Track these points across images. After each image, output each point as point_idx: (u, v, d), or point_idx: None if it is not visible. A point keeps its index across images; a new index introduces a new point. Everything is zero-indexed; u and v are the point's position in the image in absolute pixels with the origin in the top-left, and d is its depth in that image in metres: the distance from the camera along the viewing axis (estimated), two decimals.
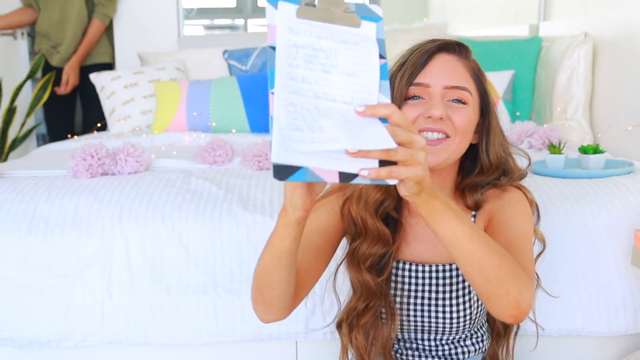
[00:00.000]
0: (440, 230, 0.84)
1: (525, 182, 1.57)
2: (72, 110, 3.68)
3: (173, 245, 1.44)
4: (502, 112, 2.39)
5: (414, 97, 1.05)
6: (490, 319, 1.25)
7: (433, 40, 1.09)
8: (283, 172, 0.69)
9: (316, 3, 0.75)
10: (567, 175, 1.64)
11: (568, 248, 1.44)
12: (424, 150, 0.75)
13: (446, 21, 3.16)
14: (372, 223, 1.09)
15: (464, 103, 1.05)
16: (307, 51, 0.73)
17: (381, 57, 0.76)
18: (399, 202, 1.12)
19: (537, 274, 1.17)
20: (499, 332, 1.25)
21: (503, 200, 1.11)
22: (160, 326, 1.43)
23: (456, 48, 1.08)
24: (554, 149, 1.73)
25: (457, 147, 1.05)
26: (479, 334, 1.21)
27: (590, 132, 2.38)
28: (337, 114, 0.71)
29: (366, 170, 0.71)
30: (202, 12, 4.71)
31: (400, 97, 1.05)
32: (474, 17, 3.81)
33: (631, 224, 1.45)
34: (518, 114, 2.50)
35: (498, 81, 2.42)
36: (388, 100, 0.75)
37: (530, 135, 2.17)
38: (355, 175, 0.71)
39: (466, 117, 1.05)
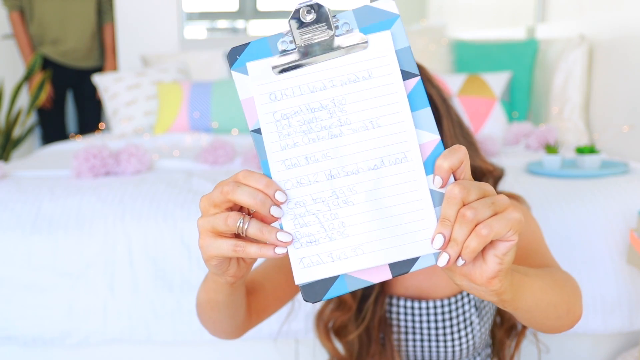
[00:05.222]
0: (522, 304, 0.61)
1: (522, 182, 1.59)
2: (62, 112, 3.75)
3: (175, 244, 1.46)
4: (499, 113, 2.41)
5: None
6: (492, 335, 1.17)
7: None
8: (315, 291, 0.54)
9: (295, 39, 0.55)
10: (563, 175, 1.66)
11: (564, 247, 1.45)
12: (495, 194, 0.53)
13: (444, 23, 3.19)
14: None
15: None
16: (303, 117, 0.55)
17: (409, 74, 0.54)
18: None
19: None
20: (503, 341, 1.15)
21: None
22: (162, 324, 1.45)
23: None
24: (551, 149, 1.75)
25: None
26: (483, 355, 1.13)
27: (586, 132, 2.40)
28: (363, 193, 0.54)
29: (446, 255, 0.51)
30: (204, 15, 4.74)
31: None
32: (471, 19, 3.83)
33: (626, 223, 1.47)
34: (515, 114, 2.53)
35: (495, 82, 2.44)
36: (435, 134, 0.54)
37: (527, 136, 2.20)
38: (413, 261, 0.53)
39: None
